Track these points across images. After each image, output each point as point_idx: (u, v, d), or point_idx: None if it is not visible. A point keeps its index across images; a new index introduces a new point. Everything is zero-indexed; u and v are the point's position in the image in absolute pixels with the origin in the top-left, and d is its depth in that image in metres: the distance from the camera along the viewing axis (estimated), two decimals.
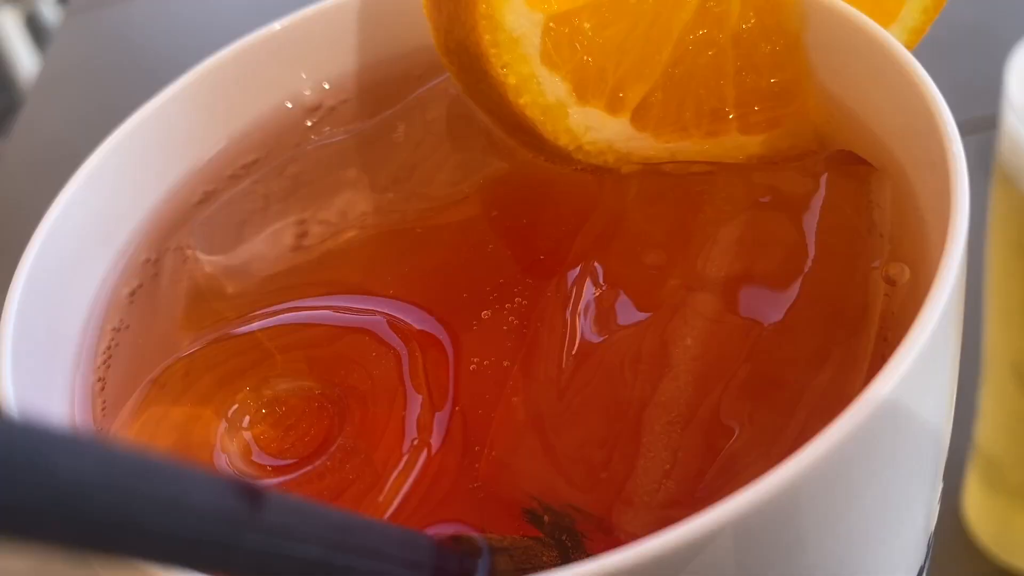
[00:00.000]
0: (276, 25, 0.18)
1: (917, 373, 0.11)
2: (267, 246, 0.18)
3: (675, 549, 0.09)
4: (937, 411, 0.12)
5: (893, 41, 0.15)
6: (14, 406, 0.14)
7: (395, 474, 0.13)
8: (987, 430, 0.44)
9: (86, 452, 0.07)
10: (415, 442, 0.13)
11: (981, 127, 0.34)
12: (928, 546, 0.15)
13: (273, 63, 0.19)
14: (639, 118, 0.18)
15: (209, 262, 0.18)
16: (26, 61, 1.74)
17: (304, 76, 0.19)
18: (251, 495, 0.08)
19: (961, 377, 0.15)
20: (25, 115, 0.84)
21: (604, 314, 0.14)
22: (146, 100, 0.19)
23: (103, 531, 0.07)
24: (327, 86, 0.19)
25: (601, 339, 0.14)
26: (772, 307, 0.13)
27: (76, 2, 1.00)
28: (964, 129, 0.14)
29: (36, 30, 1.95)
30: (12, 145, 0.77)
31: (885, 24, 0.19)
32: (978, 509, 0.47)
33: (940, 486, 0.14)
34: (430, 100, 0.19)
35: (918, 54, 0.15)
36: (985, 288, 0.38)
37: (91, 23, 0.95)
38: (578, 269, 0.15)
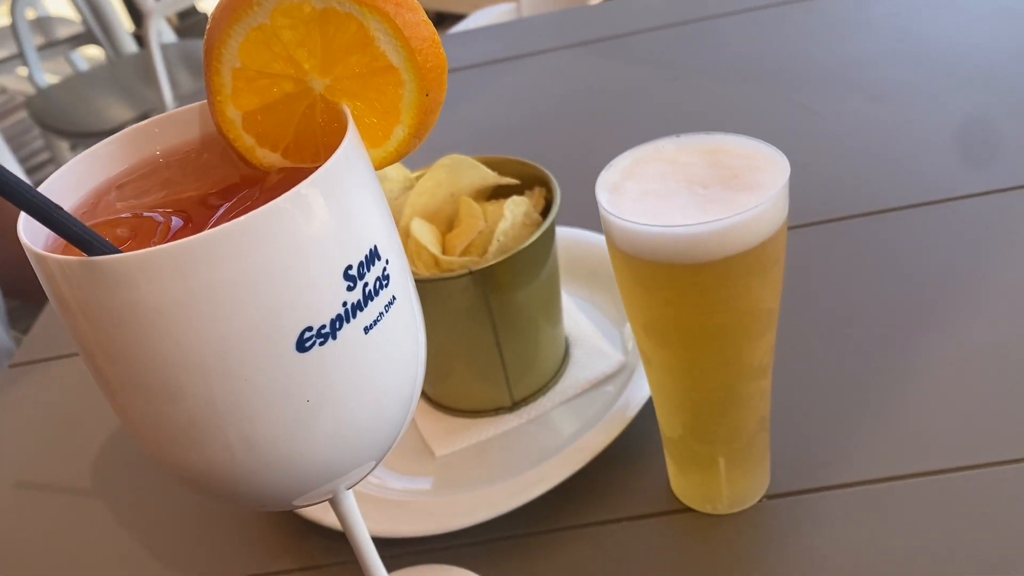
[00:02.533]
0: (144, 122, 0.46)
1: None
2: (147, 198, 0.46)
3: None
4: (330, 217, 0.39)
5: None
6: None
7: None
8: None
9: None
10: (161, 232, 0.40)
11: None
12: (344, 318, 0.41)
13: (149, 135, 0.47)
14: (286, 154, 0.45)
15: (120, 203, 0.46)
16: None
17: (158, 150, 0.47)
18: (58, 206, 0.35)
19: None
20: None
21: (249, 199, 0.42)
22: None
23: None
24: (175, 147, 0.48)
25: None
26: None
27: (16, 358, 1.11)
28: None
29: None
30: None
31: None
32: (669, 465, 0.63)
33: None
34: (214, 144, 0.47)
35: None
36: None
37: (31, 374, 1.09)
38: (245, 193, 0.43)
